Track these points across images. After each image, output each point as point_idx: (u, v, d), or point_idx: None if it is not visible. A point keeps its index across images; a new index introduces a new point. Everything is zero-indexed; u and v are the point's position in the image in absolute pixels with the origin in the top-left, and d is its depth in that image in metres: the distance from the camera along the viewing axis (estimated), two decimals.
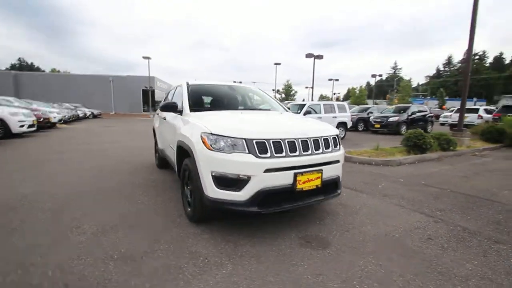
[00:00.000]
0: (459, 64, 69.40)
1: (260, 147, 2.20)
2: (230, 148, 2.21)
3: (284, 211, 2.29)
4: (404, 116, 13.33)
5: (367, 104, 30.36)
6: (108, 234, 2.47)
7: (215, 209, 2.37)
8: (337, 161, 2.62)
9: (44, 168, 5.02)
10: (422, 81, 78.83)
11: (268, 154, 2.21)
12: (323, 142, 2.52)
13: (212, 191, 2.25)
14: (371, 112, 16.37)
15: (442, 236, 2.52)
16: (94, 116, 26.75)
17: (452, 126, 14.88)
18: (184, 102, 3.26)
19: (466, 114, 15.46)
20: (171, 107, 3.25)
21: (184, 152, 2.79)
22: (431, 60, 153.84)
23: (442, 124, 20.92)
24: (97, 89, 35.26)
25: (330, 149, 2.58)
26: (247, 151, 2.18)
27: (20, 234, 2.44)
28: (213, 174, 2.23)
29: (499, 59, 74.50)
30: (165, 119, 3.89)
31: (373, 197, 3.61)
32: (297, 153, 2.32)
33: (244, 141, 2.20)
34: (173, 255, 2.13)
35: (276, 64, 31.51)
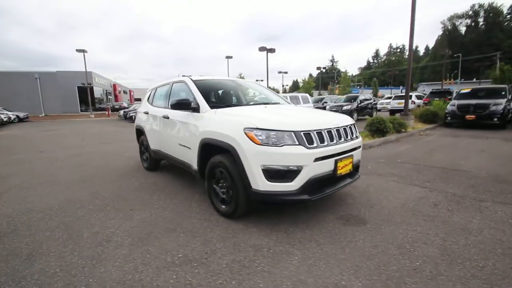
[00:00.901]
0: (385, 57, 78.78)
1: (307, 139, 2.33)
2: (279, 142, 2.28)
3: (324, 196, 2.48)
4: (354, 105, 14.76)
5: (313, 95, 32.54)
6: (150, 242, 2.32)
7: (266, 201, 2.44)
8: (359, 147, 2.92)
9: (17, 181, 4.25)
10: (356, 72, 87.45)
11: (315, 144, 2.36)
12: (349, 130, 2.78)
13: (262, 184, 2.30)
14: (326, 102, 17.68)
15: (442, 201, 3.04)
16: (20, 120, 22.81)
17: (391, 111, 17.06)
18: (198, 99, 3.14)
19: (401, 100, 17.93)
20: (184, 105, 3.12)
21: (213, 149, 2.74)
22: (362, 53, 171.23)
23: (379, 110, 23.71)
24: (20, 89, 30.05)
25: (354, 136, 2.85)
26: (297, 143, 2.29)
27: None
28: (263, 167, 2.28)
29: (415, 51, 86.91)
30: (167, 118, 3.67)
31: (371, 177, 4.07)
32: (335, 141, 2.52)
33: (293, 133, 2.30)
34: (236, 251, 2.14)
35: (228, 57, 31.16)
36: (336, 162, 2.48)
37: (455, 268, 1.85)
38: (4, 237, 2.49)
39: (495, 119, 8.94)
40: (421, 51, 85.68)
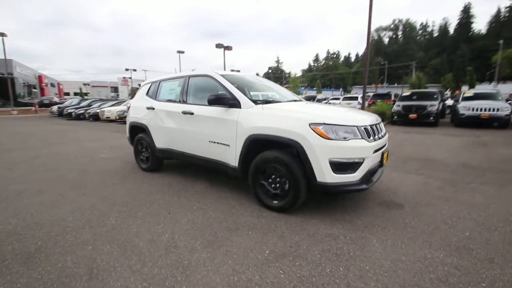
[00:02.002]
0: (324, 61, 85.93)
1: (367, 133, 2.55)
2: (346, 136, 2.45)
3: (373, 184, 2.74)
4: None
5: None
6: (223, 242, 2.23)
7: (330, 192, 2.58)
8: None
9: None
10: (299, 73, 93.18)
11: (371, 138, 2.59)
12: (380, 126, 3.11)
13: (330, 176, 2.43)
14: None
15: (443, 186, 3.64)
16: None
17: None
18: (237, 94, 3.06)
19: (349, 101, 19.98)
20: (222, 100, 3.02)
21: (264, 144, 2.76)
22: (304, 56, 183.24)
23: None
24: None
25: (385, 131, 3.20)
26: (359, 137, 2.48)
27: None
28: (331, 161, 2.41)
29: (347, 57, 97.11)
30: (191, 114, 3.45)
31: None
32: (380, 135, 2.81)
33: (356, 128, 2.49)
34: (317, 241, 2.22)
35: (179, 52, 29.69)
36: (382, 154, 2.77)
37: (494, 233, 2.31)
38: (32, 258, 2.06)
39: (431, 118, 10.80)
40: (353, 57, 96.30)
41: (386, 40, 75.62)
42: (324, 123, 2.44)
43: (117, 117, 14.53)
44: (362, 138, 2.49)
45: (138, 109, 4.43)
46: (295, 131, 2.50)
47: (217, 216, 2.73)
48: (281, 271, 1.85)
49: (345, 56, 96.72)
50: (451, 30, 67.70)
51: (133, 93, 41.14)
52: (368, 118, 2.81)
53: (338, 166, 2.43)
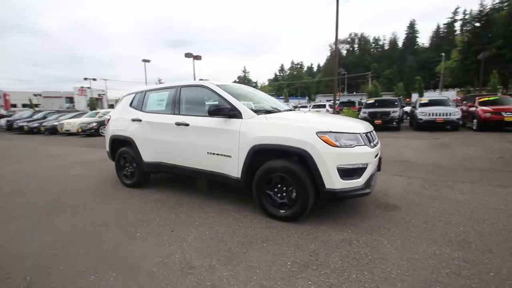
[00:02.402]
0: (289, 71, 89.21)
1: (368, 139, 2.69)
2: (351, 143, 2.55)
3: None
4: None
5: None
6: (241, 258, 2.15)
7: (337, 198, 2.65)
8: None
9: None
10: (266, 83, 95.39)
11: (372, 144, 2.74)
12: (373, 133, 3.29)
13: (338, 183, 2.50)
14: None
15: (425, 185, 3.94)
16: None
17: None
18: (237, 105, 3.03)
19: (318, 109, 20.89)
20: (222, 111, 2.97)
21: (269, 154, 2.77)
22: (270, 66, 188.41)
23: None
24: None
25: (377, 139, 3.39)
26: (362, 143, 2.61)
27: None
28: (338, 167, 2.49)
29: (310, 68, 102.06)
30: (186, 125, 3.32)
31: None
32: (375, 142, 2.98)
33: (359, 135, 2.61)
34: (333, 247, 2.26)
35: (145, 61, 28.58)
36: (380, 159, 2.93)
37: (484, 225, 2.55)
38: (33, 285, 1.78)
39: (394, 123, 11.75)
40: (315, 67, 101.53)
41: (344, 52, 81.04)
42: (331, 131, 2.53)
43: (80, 130, 13.43)
44: (365, 145, 2.62)
45: (120, 121, 4.15)
46: (303, 139, 2.55)
47: (225, 231, 2.63)
48: (310, 282, 1.83)
49: (308, 66, 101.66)
50: (400, 43, 75.03)
51: (92, 103, 38.36)
52: (363, 126, 2.97)
53: (345, 172, 2.52)
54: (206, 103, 3.39)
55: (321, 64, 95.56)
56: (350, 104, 19.86)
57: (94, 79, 38.83)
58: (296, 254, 2.18)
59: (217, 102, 3.21)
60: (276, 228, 2.64)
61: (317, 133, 2.52)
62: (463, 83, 46.88)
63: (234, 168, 2.99)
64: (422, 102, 12.66)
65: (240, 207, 3.23)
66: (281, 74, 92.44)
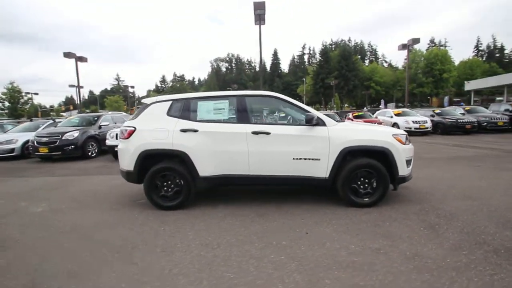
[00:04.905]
0: (172, 83, 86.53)
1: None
2: (408, 142, 3.62)
3: None
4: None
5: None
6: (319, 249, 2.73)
7: (403, 182, 3.60)
8: None
9: None
10: (144, 93, 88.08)
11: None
12: None
13: (405, 170, 3.51)
14: None
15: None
16: None
17: None
18: (319, 114, 3.50)
19: None
20: (313, 119, 3.38)
21: (355, 154, 3.45)
22: (150, 76, 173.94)
23: None
24: None
25: None
26: (409, 142, 3.74)
27: None
28: (406, 159, 3.51)
29: (192, 81, 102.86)
30: (267, 134, 3.40)
31: None
32: None
33: (407, 135, 3.73)
34: (389, 245, 3.20)
35: None
36: None
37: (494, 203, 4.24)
38: None
39: None
40: (197, 81, 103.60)
41: (224, 69, 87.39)
42: (400, 134, 3.53)
43: None
44: (410, 142, 3.78)
45: (158, 132, 3.50)
46: (386, 140, 3.41)
47: (343, 230, 3.05)
48: (408, 277, 2.67)
49: (189, 80, 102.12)
50: (268, 67, 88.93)
51: None
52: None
53: (408, 163, 3.56)
54: (277, 112, 3.63)
55: (202, 78, 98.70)
56: None
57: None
58: (364, 245, 2.96)
59: (293, 111, 3.55)
60: (349, 218, 3.32)
61: (393, 135, 3.45)
62: (314, 102, 61.22)
63: (322, 170, 3.43)
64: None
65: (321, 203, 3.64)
66: (163, 85, 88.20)
